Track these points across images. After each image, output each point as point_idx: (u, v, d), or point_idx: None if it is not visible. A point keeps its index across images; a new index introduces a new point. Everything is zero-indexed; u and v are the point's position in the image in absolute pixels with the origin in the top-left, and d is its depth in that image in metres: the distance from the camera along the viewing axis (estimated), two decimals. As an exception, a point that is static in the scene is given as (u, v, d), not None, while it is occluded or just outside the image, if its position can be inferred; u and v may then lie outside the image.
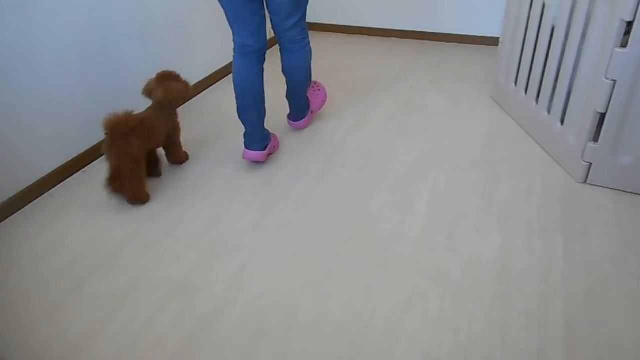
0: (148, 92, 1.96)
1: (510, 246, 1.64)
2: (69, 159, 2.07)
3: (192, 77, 2.68)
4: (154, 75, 1.97)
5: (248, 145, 2.07)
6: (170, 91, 1.92)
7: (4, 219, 1.84)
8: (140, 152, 1.80)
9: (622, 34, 1.65)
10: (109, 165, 1.81)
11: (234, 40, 1.98)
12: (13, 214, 1.87)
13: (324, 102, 2.45)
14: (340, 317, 1.41)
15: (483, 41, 3.36)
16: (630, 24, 1.62)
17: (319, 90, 2.43)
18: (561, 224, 1.73)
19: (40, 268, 1.62)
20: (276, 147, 2.21)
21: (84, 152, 2.13)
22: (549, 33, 2.05)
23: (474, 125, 2.38)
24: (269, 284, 1.53)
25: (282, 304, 1.46)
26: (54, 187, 2.01)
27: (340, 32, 3.65)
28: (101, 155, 2.20)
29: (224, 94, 2.78)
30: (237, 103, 2.01)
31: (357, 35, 3.62)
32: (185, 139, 2.24)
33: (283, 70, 2.16)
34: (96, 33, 2.10)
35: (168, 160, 2.13)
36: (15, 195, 1.87)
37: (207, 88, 2.87)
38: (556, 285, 1.49)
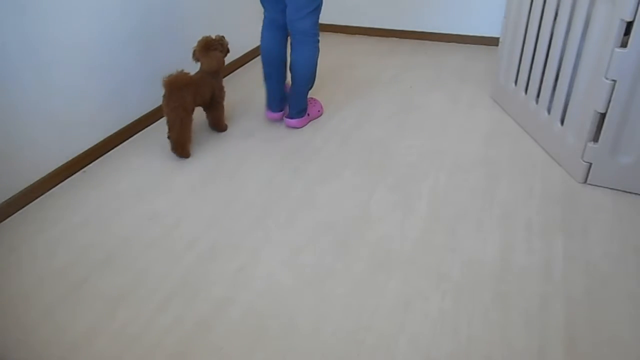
0: (196, 59, 2.22)
1: (510, 246, 1.64)
2: (69, 159, 2.07)
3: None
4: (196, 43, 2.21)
5: (268, 107, 2.39)
6: (212, 63, 2.18)
7: (4, 219, 1.84)
8: (190, 105, 2.10)
9: (622, 34, 1.65)
10: (167, 121, 2.12)
11: (264, 14, 2.26)
12: (13, 214, 1.86)
13: (320, 112, 2.51)
14: (340, 317, 1.41)
15: (483, 41, 3.37)
16: (630, 24, 1.62)
17: (315, 102, 2.51)
18: (561, 224, 1.73)
19: (40, 268, 1.62)
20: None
21: (84, 152, 2.13)
22: (549, 33, 2.05)
23: (474, 125, 2.38)
24: (268, 284, 1.53)
25: (282, 304, 1.46)
26: (54, 187, 2.01)
27: (341, 32, 3.65)
28: (101, 155, 2.21)
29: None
30: (263, 69, 2.32)
31: (357, 35, 3.62)
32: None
33: (290, 66, 2.27)
34: (100, 35, 2.10)
35: (208, 123, 2.38)
36: (15, 195, 1.87)
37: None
38: (556, 285, 1.49)
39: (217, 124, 2.36)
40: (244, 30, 3.06)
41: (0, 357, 1.34)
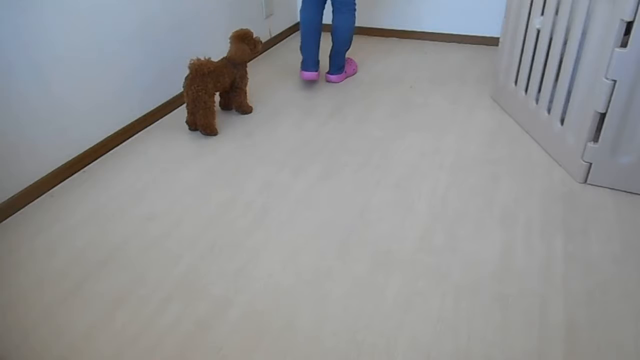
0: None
1: (510, 246, 1.64)
2: (69, 159, 2.07)
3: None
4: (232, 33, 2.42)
5: (304, 68, 2.78)
6: (239, 54, 2.37)
7: (4, 219, 1.84)
8: (212, 90, 2.27)
9: (622, 34, 1.65)
10: (187, 103, 2.28)
11: None
12: (13, 214, 1.86)
13: (355, 70, 2.98)
14: (340, 317, 1.41)
15: (483, 41, 3.37)
16: (630, 24, 1.62)
17: (351, 62, 2.98)
18: (561, 224, 1.73)
19: (40, 268, 1.62)
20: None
21: (84, 152, 2.13)
22: (549, 33, 2.05)
23: (474, 125, 2.38)
24: (268, 284, 1.53)
25: (282, 304, 1.46)
26: (54, 187, 2.01)
27: (340, 32, 3.65)
28: (101, 156, 2.21)
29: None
30: (302, 37, 2.73)
31: (357, 35, 3.61)
32: (190, 138, 2.23)
33: (332, 31, 2.71)
34: (100, 34, 2.10)
35: (234, 107, 2.55)
36: (15, 195, 1.87)
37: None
38: (556, 285, 1.49)
39: (240, 108, 2.54)
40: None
41: (0, 357, 1.34)
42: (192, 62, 2.19)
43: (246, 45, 2.39)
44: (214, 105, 2.31)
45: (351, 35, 2.73)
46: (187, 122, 2.37)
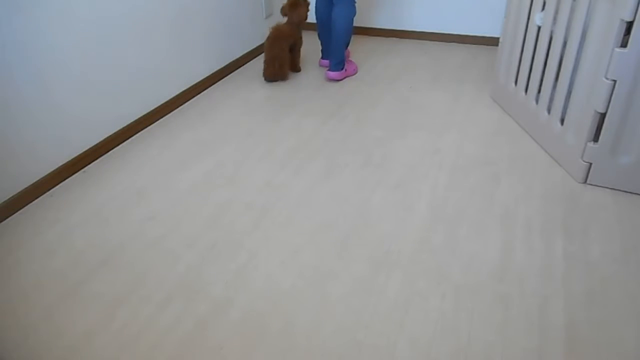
0: (284, 13, 2.85)
1: (510, 246, 1.64)
2: (69, 159, 2.07)
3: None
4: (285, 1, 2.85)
5: (323, 57, 3.12)
6: (301, 16, 2.83)
7: (4, 219, 1.83)
8: (287, 49, 2.84)
9: (622, 34, 1.65)
10: (266, 58, 2.83)
11: None
12: (13, 214, 1.86)
13: (355, 70, 3.02)
14: (340, 317, 1.41)
15: (483, 41, 3.37)
16: (630, 24, 1.62)
17: (352, 63, 3.02)
18: (561, 224, 1.73)
19: (40, 268, 1.62)
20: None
21: (84, 152, 2.13)
22: (549, 33, 2.05)
23: (474, 125, 2.38)
24: (268, 284, 1.53)
25: (282, 304, 1.46)
26: (54, 187, 2.01)
27: (340, 32, 3.65)
28: (101, 156, 2.21)
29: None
30: (318, 30, 3.01)
31: (357, 35, 3.62)
32: (190, 138, 2.23)
33: (331, 22, 2.80)
34: (99, 34, 2.10)
35: (290, 67, 2.96)
36: (15, 195, 1.87)
37: (208, 87, 2.87)
38: (556, 286, 1.49)
39: (294, 67, 2.99)
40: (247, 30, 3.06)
41: (0, 357, 1.34)
42: (273, 27, 2.76)
43: (302, 7, 2.83)
44: (288, 60, 2.88)
45: (349, 26, 2.79)
46: (264, 74, 2.86)
